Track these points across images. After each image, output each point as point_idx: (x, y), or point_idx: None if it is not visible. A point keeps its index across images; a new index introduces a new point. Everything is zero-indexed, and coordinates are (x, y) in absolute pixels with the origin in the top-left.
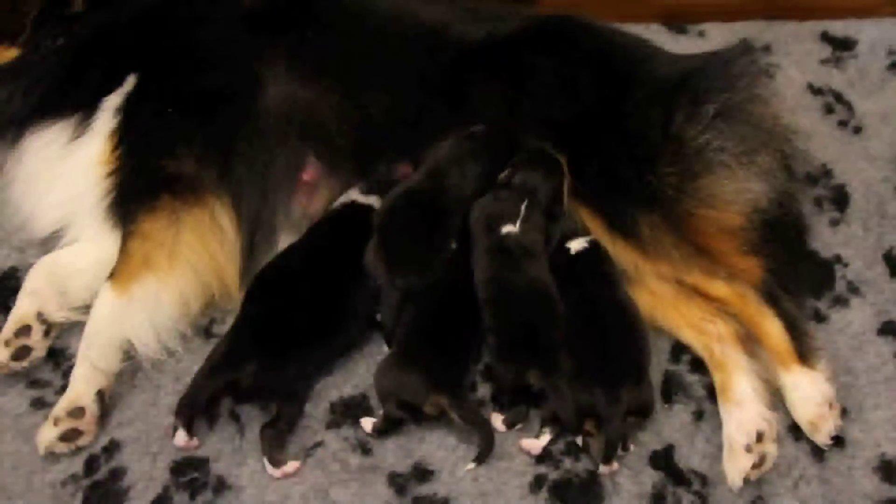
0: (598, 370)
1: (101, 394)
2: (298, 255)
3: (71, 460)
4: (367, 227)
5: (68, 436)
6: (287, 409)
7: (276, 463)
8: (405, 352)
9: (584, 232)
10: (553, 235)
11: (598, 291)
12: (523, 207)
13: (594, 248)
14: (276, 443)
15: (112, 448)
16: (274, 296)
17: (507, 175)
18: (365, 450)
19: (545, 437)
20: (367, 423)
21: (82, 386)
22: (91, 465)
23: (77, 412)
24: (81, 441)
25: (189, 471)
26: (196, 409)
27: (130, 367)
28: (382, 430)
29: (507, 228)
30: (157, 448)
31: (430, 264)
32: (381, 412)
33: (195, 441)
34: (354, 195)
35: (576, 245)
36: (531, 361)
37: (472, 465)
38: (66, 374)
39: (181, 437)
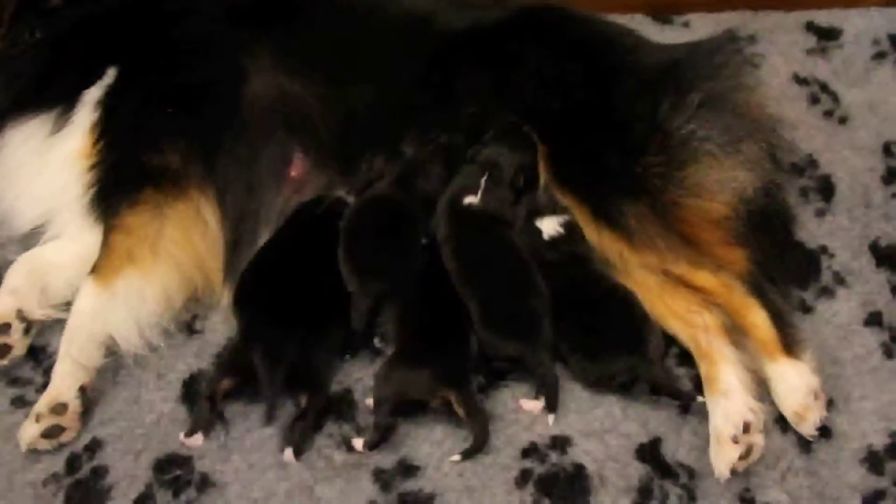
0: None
1: (83, 390)
2: (282, 249)
3: (52, 459)
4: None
5: (51, 432)
6: (314, 400)
7: (299, 454)
8: (407, 350)
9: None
10: (522, 209)
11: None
12: (483, 180)
13: (572, 233)
14: (306, 434)
15: (94, 446)
16: (270, 289)
17: (475, 150)
18: (350, 446)
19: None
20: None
21: (64, 382)
22: (73, 463)
23: (59, 408)
24: (64, 437)
25: (172, 468)
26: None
27: (112, 364)
28: (375, 443)
29: (469, 199)
30: (140, 446)
31: (398, 271)
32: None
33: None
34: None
35: (548, 227)
36: (510, 332)
37: (456, 458)
38: (47, 372)
39: (199, 438)
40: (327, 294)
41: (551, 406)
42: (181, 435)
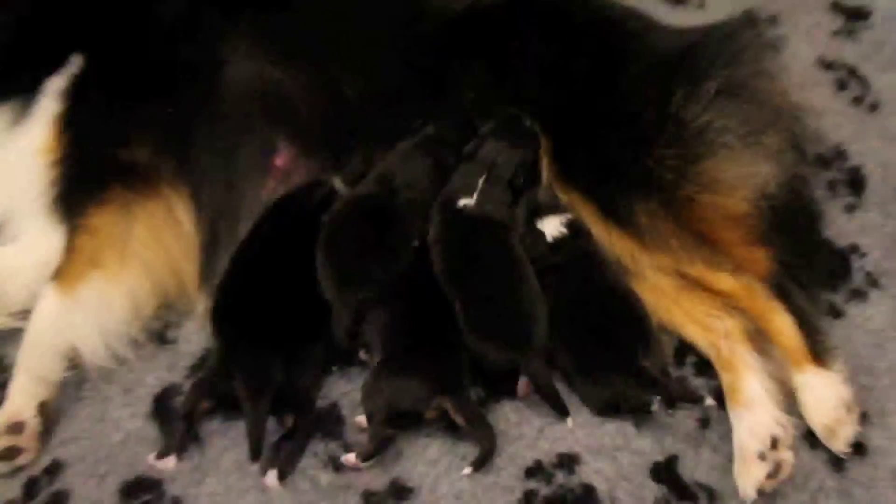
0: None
1: (42, 407)
2: (264, 253)
3: (8, 484)
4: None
5: (7, 454)
6: (302, 420)
7: (283, 476)
8: (394, 358)
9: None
10: (521, 209)
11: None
12: (481, 181)
13: (577, 233)
14: (293, 456)
15: (54, 469)
16: (251, 305)
17: (473, 146)
18: (336, 466)
19: None
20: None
21: (22, 398)
22: (31, 488)
23: (16, 427)
24: (21, 459)
25: (141, 493)
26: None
27: (75, 378)
28: (370, 455)
29: (464, 202)
30: (106, 468)
31: (384, 276)
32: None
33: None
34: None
35: (550, 228)
36: (499, 339)
37: (468, 471)
38: (3, 387)
39: (172, 461)
40: (312, 306)
41: (562, 412)
42: (151, 457)
